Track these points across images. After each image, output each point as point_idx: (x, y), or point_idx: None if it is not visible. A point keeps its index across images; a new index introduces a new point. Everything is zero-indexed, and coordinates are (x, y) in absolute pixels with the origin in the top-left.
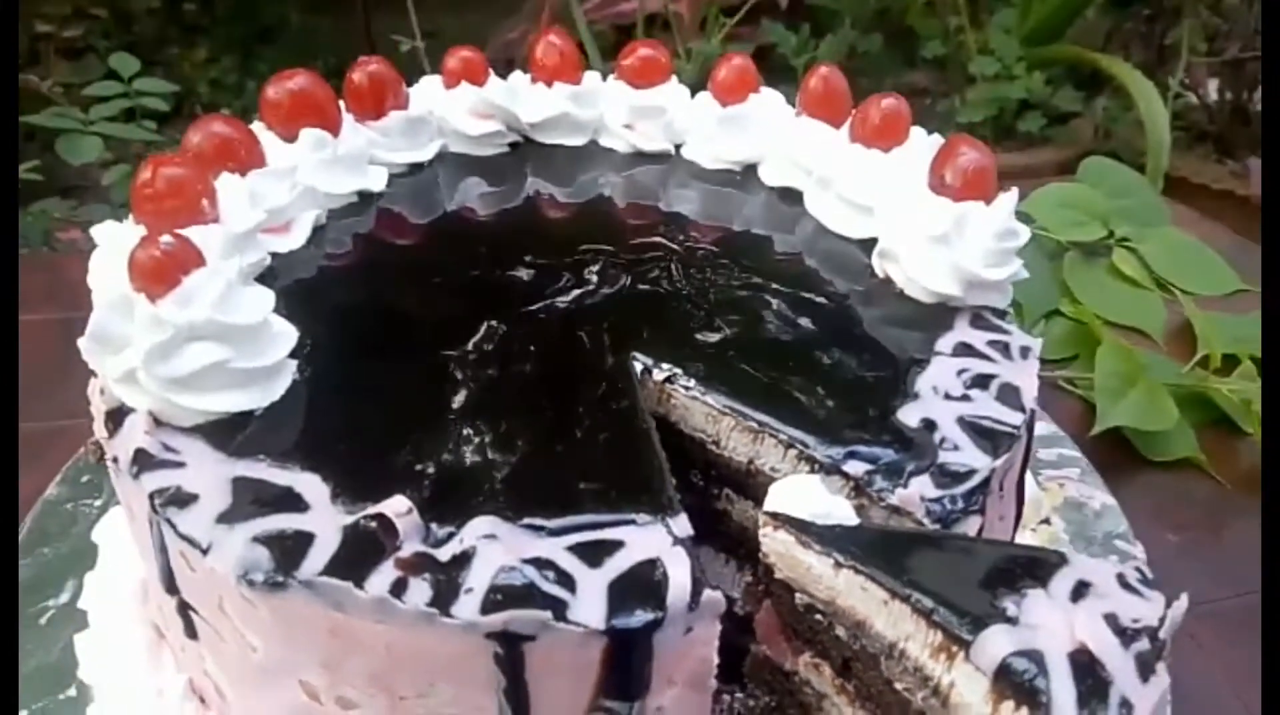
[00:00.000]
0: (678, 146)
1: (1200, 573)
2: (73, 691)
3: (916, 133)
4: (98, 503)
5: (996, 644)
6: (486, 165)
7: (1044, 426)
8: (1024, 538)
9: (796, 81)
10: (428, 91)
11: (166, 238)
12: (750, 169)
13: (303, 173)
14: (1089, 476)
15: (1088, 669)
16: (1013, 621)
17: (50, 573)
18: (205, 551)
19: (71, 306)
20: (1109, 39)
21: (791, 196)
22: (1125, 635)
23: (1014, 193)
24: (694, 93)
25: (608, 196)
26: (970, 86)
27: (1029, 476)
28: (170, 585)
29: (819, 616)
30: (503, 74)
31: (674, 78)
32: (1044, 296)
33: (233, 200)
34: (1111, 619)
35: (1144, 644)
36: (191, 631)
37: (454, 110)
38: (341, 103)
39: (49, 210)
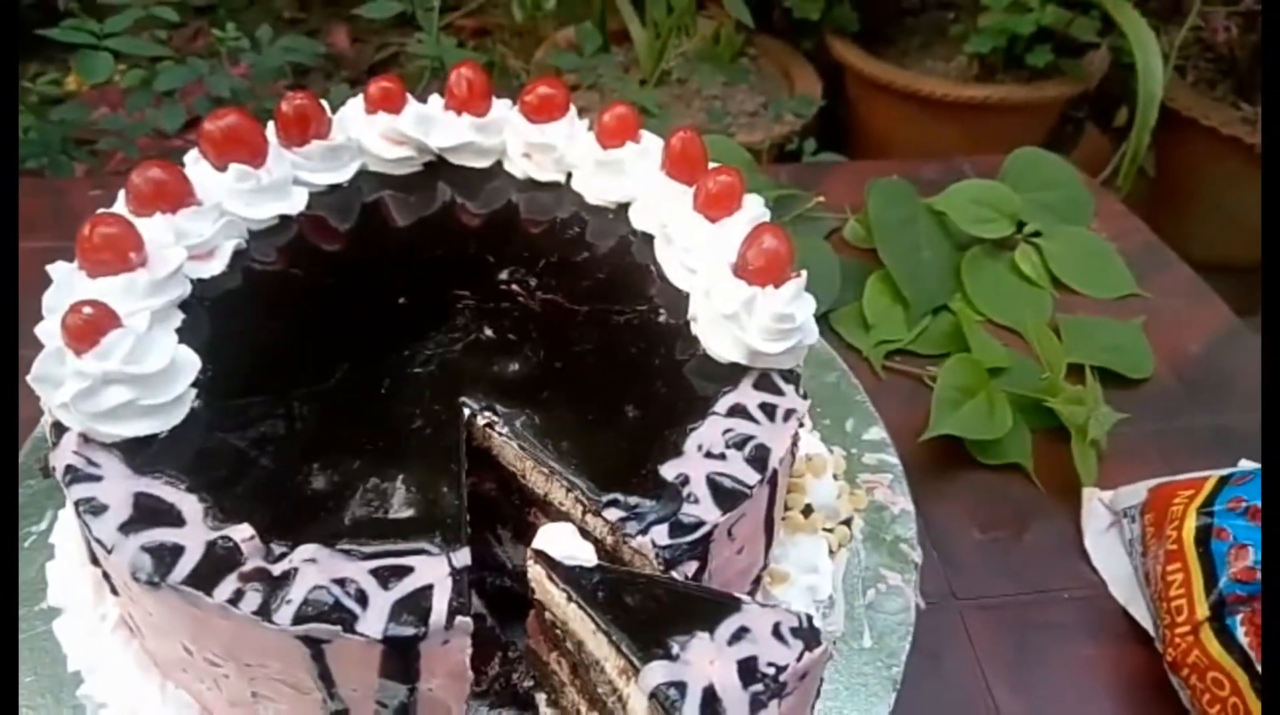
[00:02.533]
0: (569, 175)
1: (992, 570)
2: (44, 604)
3: (750, 203)
4: None
5: (654, 674)
6: (402, 181)
7: (876, 432)
8: (818, 537)
9: (813, 35)
10: (350, 118)
11: (88, 309)
12: (623, 207)
13: (229, 203)
14: (898, 484)
15: (710, 702)
16: (674, 658)
17: (33, 503)
18: (109, 551)
19: (70, 236)
20: None
21: (649, 240)
22: (750, 676)
23: (801, 279)
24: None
25: (511, 210)
26: (982, 14)
27: (829, 485)
28: (94, 560)
29: (558, 631)
30: None
31: (571, 112)
32: (936, 293)
33: (160, 242)
34: (747, 662)
35: (760, 686)
36: (114, 590)
37: (370, 134)
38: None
39: (68, 117)
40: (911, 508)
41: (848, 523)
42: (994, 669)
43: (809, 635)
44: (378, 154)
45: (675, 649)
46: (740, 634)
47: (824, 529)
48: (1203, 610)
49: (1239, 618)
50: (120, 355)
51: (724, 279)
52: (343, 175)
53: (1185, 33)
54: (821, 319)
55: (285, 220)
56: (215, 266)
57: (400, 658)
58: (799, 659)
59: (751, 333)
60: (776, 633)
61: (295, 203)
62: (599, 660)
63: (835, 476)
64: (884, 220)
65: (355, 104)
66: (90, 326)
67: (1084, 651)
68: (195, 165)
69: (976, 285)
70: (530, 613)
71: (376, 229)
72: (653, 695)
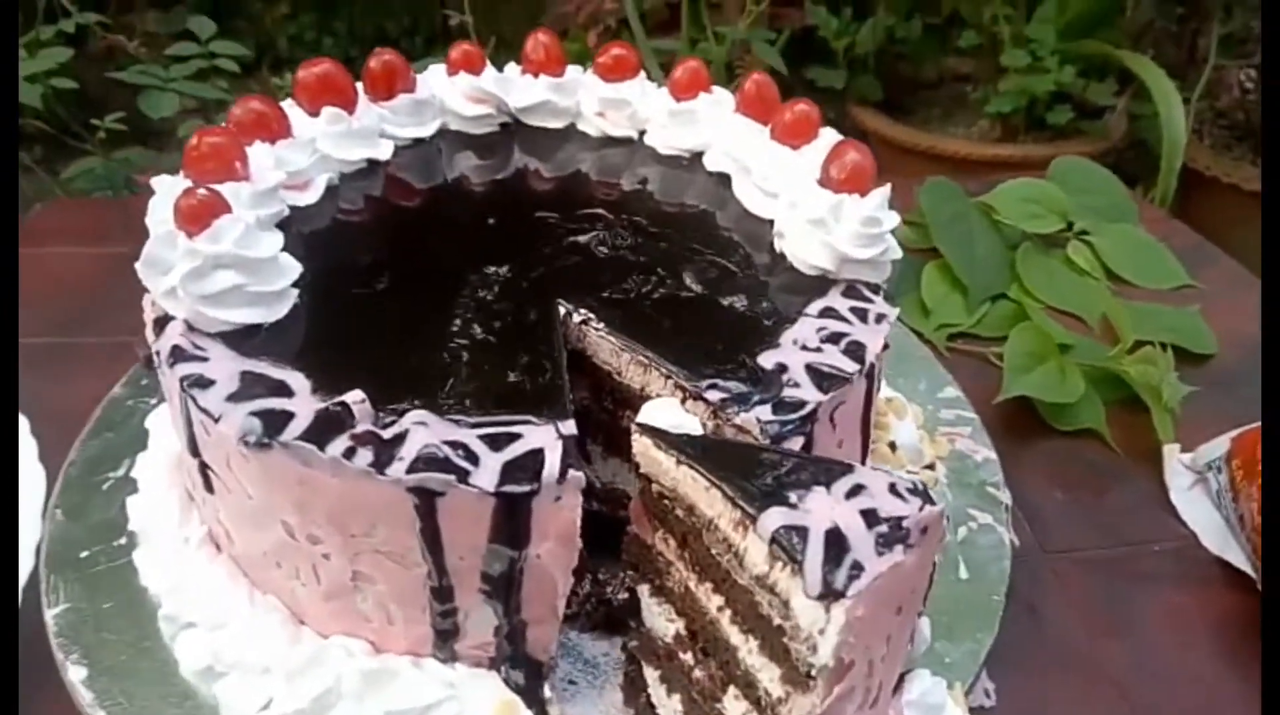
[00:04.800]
0: (641, 133)
1: (1078, 524)
2: (123, 540)
3: (827, 133)
4: (153, 401)
5: (772, 519)
6: (480, 141)
7: (951, 390)
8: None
9: (838, 64)
10: (433, 78)
11: (202, 190)
12: (697, 156)
13: (321, 142)
14: (978, 435)
15: (835, 541)
16: (792, 506)
17: (112, 452)
18: (217, 421)
19: (142, 242)
20: (1140, 37)
21: (725, 181)
22: (871, 519)
23: (886, 188)
24: (729, 76)
25: (584, 172)
26: (1002, 77)
27: (911, 426)
28: (194, 449)
29: (667, 501)
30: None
31: (642, 74)
32: (993, 281)
33: (261, 163)
34: (868, 512)
35: (885, 528)
36: (209, 486)
37: (453, 94)
38: (359, 85)
39: (131, 158)
40: (995, 456)
41: (930, 468)
42: (1091, 618)
43: (924, 495)
44: (458, 112)
45: (793, 498)
46: (857, 490)
47: (908, 470)
48: None
49: None
50: (231, 238)
51: (810, 190)
52: (425, 130)
53: (1199, 97)
54: None
55: (374, 165)
56: (310, 196)
57: (513, 515)
58: (920, 510)
59: (840, 237)
60: (893, 491)
61: (383, 150)
62: (712, 520)
63: (916, 426)
64: (937, 214)
65: (437, 68)
66: (205, 208)
67: (1179, 599)
68: (291, 111)
69: (1033, 276)
70: (634, 495)
71: (461, 176)
72: (773, 540)
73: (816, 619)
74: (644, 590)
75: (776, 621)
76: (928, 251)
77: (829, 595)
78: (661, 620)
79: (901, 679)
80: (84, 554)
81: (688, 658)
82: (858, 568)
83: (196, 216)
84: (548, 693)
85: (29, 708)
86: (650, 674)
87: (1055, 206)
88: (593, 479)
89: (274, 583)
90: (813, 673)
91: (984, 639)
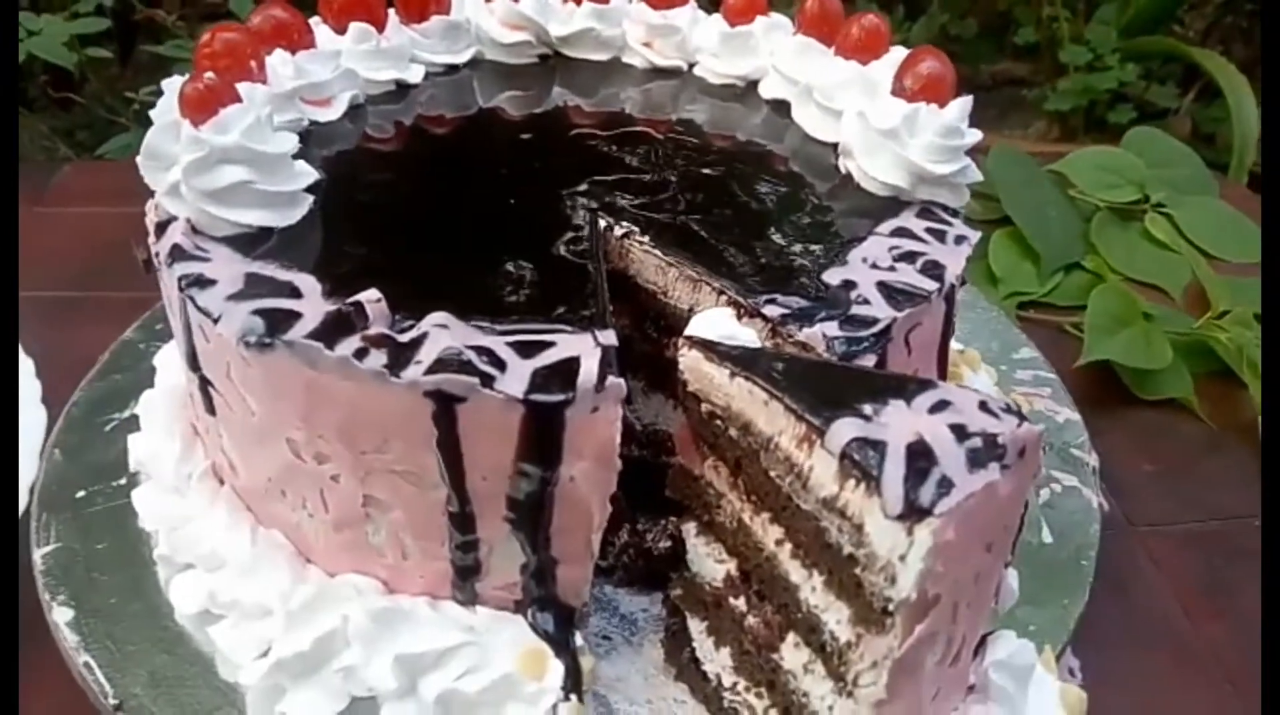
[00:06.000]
0: (690, 64)
1: (1168, 498)
2: (123, 481)
3: (897, 50)
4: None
5: (844, 431)
6: (517, 73)
7: (1028, 352)
8: None
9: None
10: (468, 1)
11: (210, 75)
12: (752, 85)
13: (347, 58)
14: (1059, 395)
15: (919, 454)
16: (866, 418)
17: (118, 393)
18: (216, 321)
19: None
20: (1208, 34)
21: (783, 109)
22: (963, 434)
23: (968, 99)
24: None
25: (627, 112)
26: (1061, 76)
27: (986, 379)
28: (193, 362)
29: (718, 422)
30: None
31: (690, 1)
32: (1068, 249)
33: (278, 68)
34: (957, 427)
35: (978, 442)
36: (210, 407)
37: (489, 20)
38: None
39: None
40: (1078, 417)
41: None
42: (1186, 594)
43: (1019, 415)
44: (495, 39)
45: (867, 410)
46: (942, 405)
47: None
48: None
49: None
50: (240, 129)
51: (882, 99)
52: (459, 56)
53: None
54: None
55: (401, 89)
56: (332, 113)
57: (543, 429)
58: (1019, 426)
59: (915, 150)
60: (984, 408)
61: (412, 74)
62: (771, 437)
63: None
64: (1008, 179)
65: None
66: (211, 95)
67: None
68: (316, 29)
69: (1110, 247)
70: (679, 422)
71: (495, 107)
72: (844, 455)
73: (896, 543)
74: (690, 530)
75: (847, 550)
76: (994, 222)
77: (912, 514)
78: (710, 562)
79: (983, 641)
80: (80, 494)
81: (739, 603)
82: (946, 484)
83: (203, 103)
84: (579, 641)
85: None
86: (695, 626)
87: (1132, 176)
88: (632, 420)
89: (279, 516)
90: (890, 608)
91: (1072, 606)
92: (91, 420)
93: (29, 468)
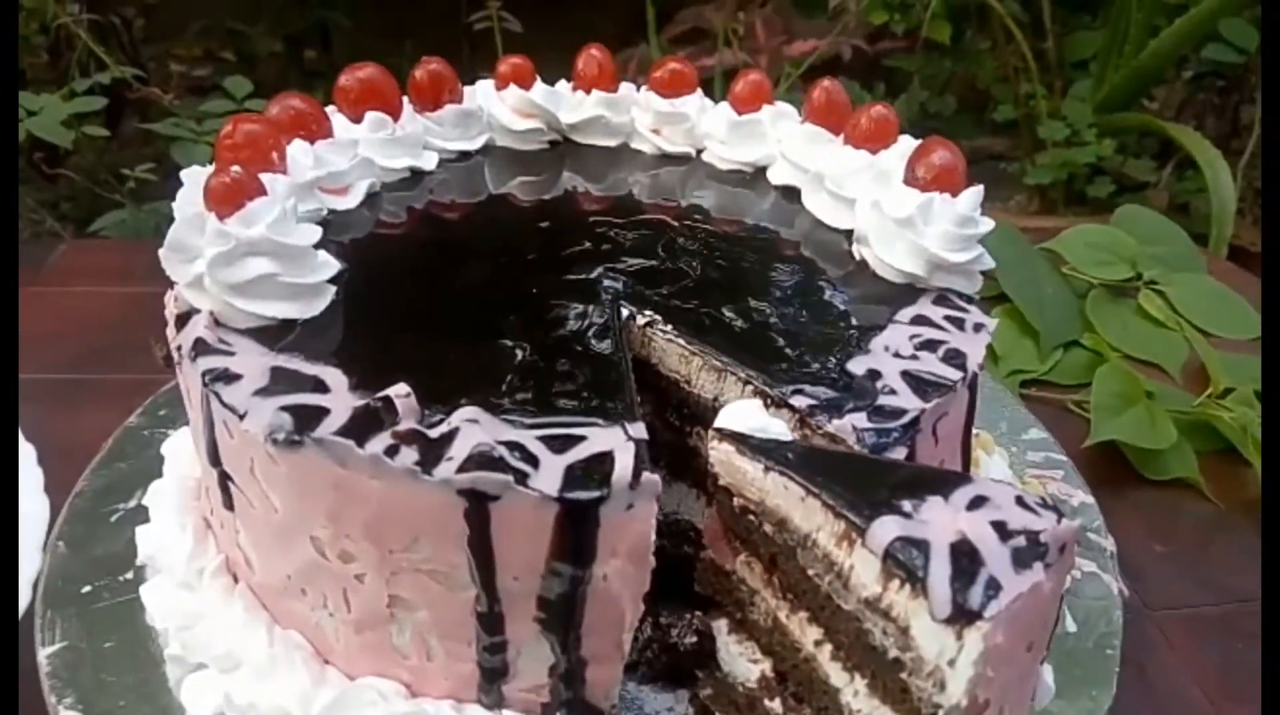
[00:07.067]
0: (698, 150)
1: (1182, 580)
2: (130, 575)
3: (905, 139)
4: (171, 431)
5: (886, 530)
6: (527, 158)
7: (1036, 432)
8: None
9: None
10: (481, 90)
11: (236, 168)
12: (760, 171)
13: (363, 147)
14: (1072, 477)
15: (964, 554)
16: (906, 516)
17: (123, 482)
18: (242, 417)
19: (166, 283)
20: (1182, 109)
21: (792, 195)
22: (1005, 532)
23: (979, 188)
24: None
25: (635, 196)
26: (1040, 151)
27: (1001, 463)
28: (214, 457)
29: (751, 517)
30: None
31: (698, 90)
32: (1065, 327)
33: (298, 158)
34: (999, 524)
35: (1022, 541)
36: (229, 503)
37: (501, 108)
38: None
39: (160, 209)
40: (1092, 500)
41: None
42: (1206, 678)
43: (1056, 510)
44: (507, 125)
45: (907, 507)
46: (980, 501)
47: None
48: None
49: None
50: (266, 222)
51: (895, 189)
52: (472, 143)
53: (1244, 169)
54: None
55: (416, 176)
56: (350, 201)
57: (578, 526)
58: (1058, 523)
59: (930, 238)
60: (1021, 503)
61: (426, 161)
62: (809, 534)
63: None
64: (1003, 256)
65: (486, 83)
66: (236, 188)
67: None
68: (332, 117)
69: (1107, 324)
70: (708, 514)
71: (507, 193)
72: (888, 555)
73: (945, 647)
74: (721, 627)
75: (892, 654)
76: (991, 299)
77: (961, 617)
78: (743, 662)
79: None
80: (86, 589)
81: (774, 705)
82: (994, 585)
83: (229, 197)
84: None
85: None
86: None
87: (1124, 253)
88: None
89: (298, 615)
90: (938, 714)
91: (1101, 698)
92: (96, 511)
93: (31, 561)
